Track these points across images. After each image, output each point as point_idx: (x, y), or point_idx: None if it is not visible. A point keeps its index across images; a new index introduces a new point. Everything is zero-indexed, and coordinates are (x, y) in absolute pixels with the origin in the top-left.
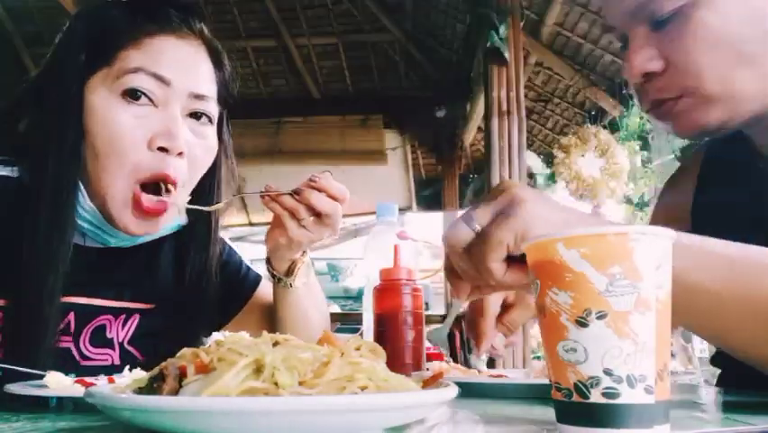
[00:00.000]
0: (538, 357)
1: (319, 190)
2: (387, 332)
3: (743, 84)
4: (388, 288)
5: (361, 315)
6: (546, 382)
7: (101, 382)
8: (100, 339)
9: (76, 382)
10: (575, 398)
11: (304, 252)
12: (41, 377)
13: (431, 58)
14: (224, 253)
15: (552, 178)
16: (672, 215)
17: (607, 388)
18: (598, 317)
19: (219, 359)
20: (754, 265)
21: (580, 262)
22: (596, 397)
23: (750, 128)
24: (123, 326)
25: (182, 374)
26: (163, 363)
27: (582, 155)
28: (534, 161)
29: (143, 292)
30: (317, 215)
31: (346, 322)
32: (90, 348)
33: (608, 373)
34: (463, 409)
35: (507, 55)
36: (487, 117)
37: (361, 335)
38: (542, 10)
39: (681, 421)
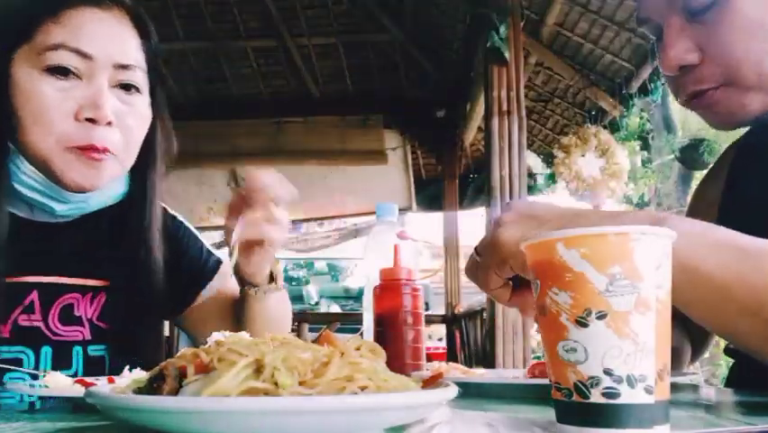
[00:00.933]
0: (538, 357)
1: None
2: (387, 332)
3: None
4: (388, 288)
5: (361, 315)
6: (547, 382)
7: (101, 383)
8: (69, 317)
9: (76, 382)
10: (575, 398)
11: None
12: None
13: (431, 58)
14: (185, 237)
15: (552, 178)
16: (698, 210)
17: (607, 388)
18: (599, 318)
19: (219, 359)
20: (764, 255)
21: (580, 261)
22: (596, 397)
23: None
24: (91, 303)
25: (182, 374)
26: (163, 363)
27: (582, 155)
28: (534, 161)
29: (101, 268)
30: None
31: (346, 322)
32: (60, 326)
33: (608, 373)
34: (463, 409)
35: (507, 55)
36: (487, 117)
37: (361, 335)
38: (542, 10)
39: (681, 421)
